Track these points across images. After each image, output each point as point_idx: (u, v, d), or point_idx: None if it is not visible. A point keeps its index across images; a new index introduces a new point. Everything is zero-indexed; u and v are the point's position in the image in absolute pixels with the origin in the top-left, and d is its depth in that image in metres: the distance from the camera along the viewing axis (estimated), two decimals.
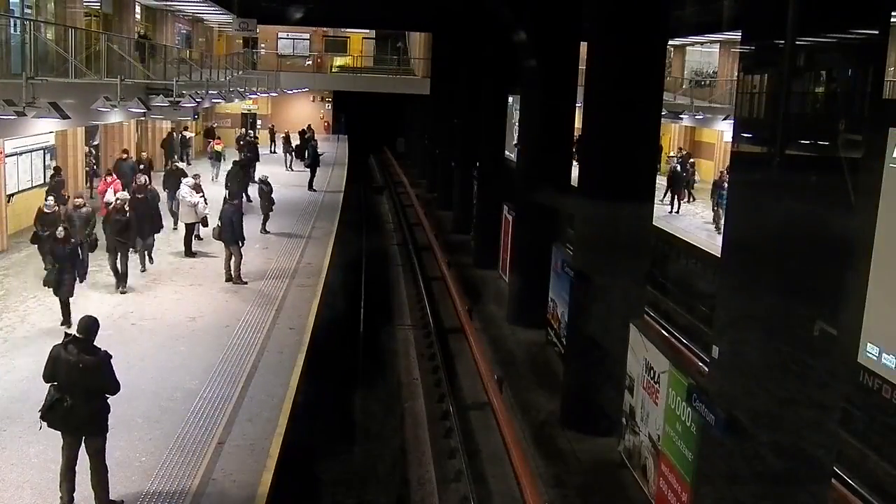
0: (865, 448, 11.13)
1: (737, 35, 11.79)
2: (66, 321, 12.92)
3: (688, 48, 39.19)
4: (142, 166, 22.11)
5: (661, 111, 13.56)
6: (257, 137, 36.52)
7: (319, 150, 31.91)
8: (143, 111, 17.24)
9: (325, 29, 47.43)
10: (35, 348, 12.29)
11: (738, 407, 7.40)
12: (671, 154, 33.33)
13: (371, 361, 15.72)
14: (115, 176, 20.25)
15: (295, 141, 36.53)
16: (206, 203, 18.78)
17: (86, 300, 14.77)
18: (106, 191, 18.39)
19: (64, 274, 12.93)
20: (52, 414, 7.94)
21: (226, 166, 26.62)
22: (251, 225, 20.59)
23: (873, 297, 5.58)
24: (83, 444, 8.18)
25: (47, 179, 20.11)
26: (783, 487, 7.25)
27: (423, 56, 44.16)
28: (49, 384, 8.01)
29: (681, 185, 28.17)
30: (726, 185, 28.27)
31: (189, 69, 26.61)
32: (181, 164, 25.74)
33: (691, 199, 29.33)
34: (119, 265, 15.30)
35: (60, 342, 8.08)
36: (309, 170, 30.70)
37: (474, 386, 14.38)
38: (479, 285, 20.34)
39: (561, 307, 14.76)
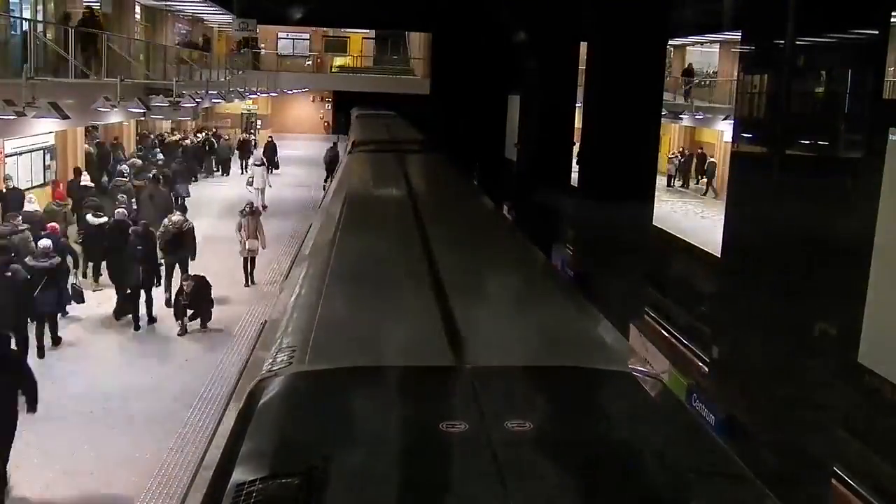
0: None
1: (737, 35, 11.79)
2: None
3: (688, 48, 39.14)
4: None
5: (661, 111, 13.55)
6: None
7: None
8: (142, 111, 17.23)
9: (325, 29, 47.40)
10: (34, 348, 12.28)
11: (738, 407, 7.40)
12: (671, 154, 33.32)
13: None
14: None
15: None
16: None
17: (89, 298, 14.77)
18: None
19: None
20: None
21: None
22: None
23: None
24: None
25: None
26: (783, 487, 7.24)
27: (423, 56, 44.13)
28: None
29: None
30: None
31: (189, 69, 26.60)
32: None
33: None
34: None
35: None
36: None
37: None
38: None
39: None
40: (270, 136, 36.65)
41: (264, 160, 27.14)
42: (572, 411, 3.31)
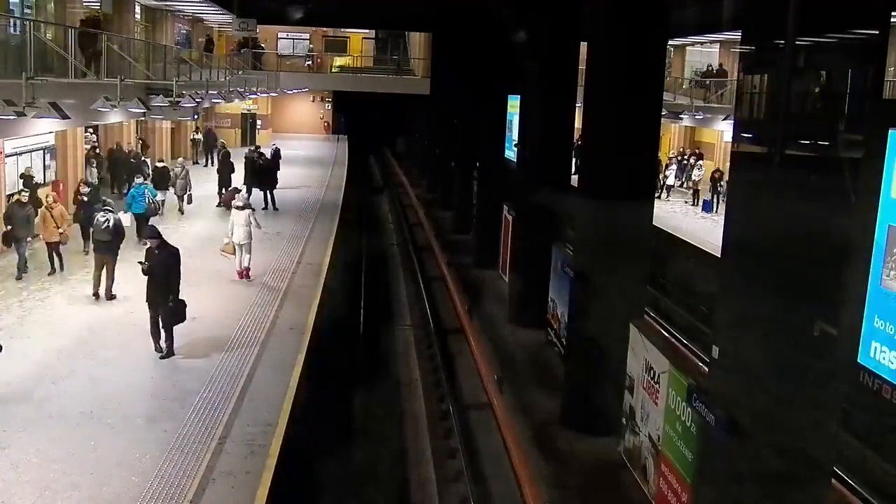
0: None
1: (737, 35, 11.80)
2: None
3: (688, 48, 39.19)
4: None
5: (661, 111, 13.55)
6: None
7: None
8: (142, 111, 17.23)
9: (325, 29, 47.42)
10: (34, 349, 12.30)
11: (738, 407, 7.40)
12: (671, 155, 33.29)
13: (371, 361, 15.72)
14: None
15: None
16: None
17: (87, 299, 14.78)
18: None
19: None
20: None
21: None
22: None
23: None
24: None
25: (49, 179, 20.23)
26: (783, 487, 7.25)
27: (423, 56, 44.16)
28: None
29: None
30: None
31: (189, 69, 26.59)
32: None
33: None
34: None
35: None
36: None
37: (474, 386, 14.38)
38: (479, 285, 20.34)
39: (561, 307, 14.75)
40: (276, 146, 30.73)
41: (248, 201, 18.57)
42: None
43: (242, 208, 17.08)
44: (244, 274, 16.97)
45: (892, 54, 19.79)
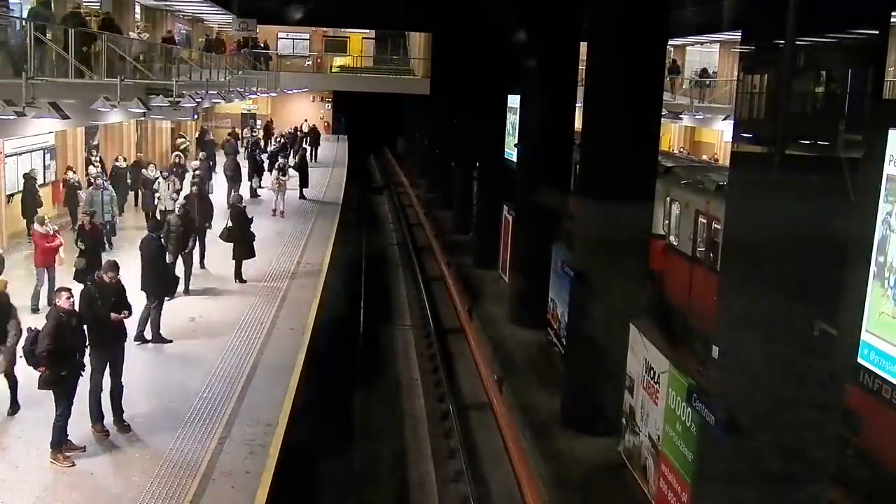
0: None
1: (737, 35, 11.82)
2: None
3: (688, 48, 39.17)
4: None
5: (661, 111, 13.55)
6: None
7: None
8: (142, 111, 17.22)
9: (325, 29, 47.40)
10: None
11: (738, 407, 7.40)
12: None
13: (371, 361, 15.72)
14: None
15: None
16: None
17: None
18: None
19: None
20: None
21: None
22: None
23: None
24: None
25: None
26: (783, 487, 7.25)
27: (423, 56, 44.15)
28: None
29: None
30: None
31: (189, 69, 26.57)
32: None
33: None
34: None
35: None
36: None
37: (474, 386, 14.38)
38: (479, 285, 20.34)
39: (561, 307, 14.75)
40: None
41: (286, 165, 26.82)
42: None
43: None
44: (281, 214, 23.73)
45: (892, 54, 19.77)
